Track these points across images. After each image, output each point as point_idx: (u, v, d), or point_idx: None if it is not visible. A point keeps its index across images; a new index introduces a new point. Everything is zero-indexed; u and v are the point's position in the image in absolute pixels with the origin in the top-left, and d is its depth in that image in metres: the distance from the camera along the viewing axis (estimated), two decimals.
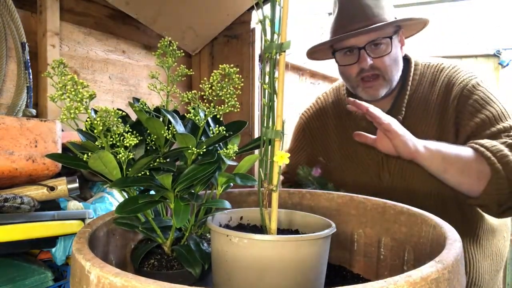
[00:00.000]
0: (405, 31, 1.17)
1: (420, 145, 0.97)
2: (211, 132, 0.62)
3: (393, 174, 1.16)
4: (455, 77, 1.14)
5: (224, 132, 0.60)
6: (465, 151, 0.99)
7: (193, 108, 0.60)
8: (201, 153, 0.58)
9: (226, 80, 0.61)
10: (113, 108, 0.57)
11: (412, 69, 1.18)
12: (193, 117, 0.59)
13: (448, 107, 1.11)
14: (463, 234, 1.11)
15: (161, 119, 0.63)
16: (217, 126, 0.62)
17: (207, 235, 0.68)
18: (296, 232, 0.63)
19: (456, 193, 1.04)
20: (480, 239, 1.15)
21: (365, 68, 1.10)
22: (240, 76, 0.61)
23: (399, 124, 0.97)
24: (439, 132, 1.11)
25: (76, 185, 0.85)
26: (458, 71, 1.15)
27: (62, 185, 0.84)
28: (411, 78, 1.17)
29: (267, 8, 0.53)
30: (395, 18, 1.13)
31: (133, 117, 0.65)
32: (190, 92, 0.61)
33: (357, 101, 0.98)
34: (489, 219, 1.17)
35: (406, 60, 1.20)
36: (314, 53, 1.25)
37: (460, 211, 1.12)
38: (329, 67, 2.64)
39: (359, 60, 1.10)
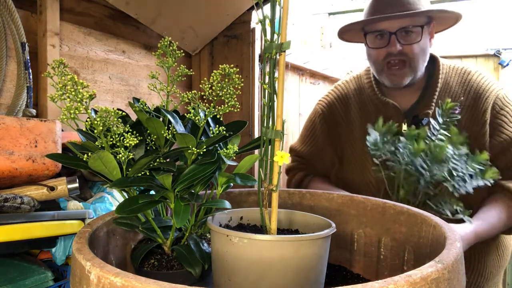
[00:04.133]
0: (437, 25, 1.19)
1: (472, 240, 0.99)
2: (211, 132, 0.62)
3: None
4: (485, 85, 1.18)
5: (224, 132, 0.60)
6: (502, 210, 1.06)
7: (193, 108, 0.60)
8: (201, 153, 0.58)
9: (226, 80, 0.61)
10: (113, 108, 0.57)
11: (441, 67, 1.21)
12: (193, 117, 0.59)
13: (479, 115, 1.15)
14: None
15: (161, 119, 0.63)
16: (217, 126, 0.62)
17: (207, 235, 0.68)
18: (296, 232, 0.63)
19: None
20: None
21: (393, 53, 1.12)
22: (240, 76, 0.61)
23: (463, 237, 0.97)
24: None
25: (76, 185, 0.85)
26: (485, 78, 1.19)
27: (62, 185, 0.84)
28: (440, 76, 1.20)
29: (267, 8, 0.53)
30: (430, 8, 1.15)
31: (133, 117, 0.65)
32: (190, 92, 0.61)
33: None
34: None
35: (433, 58, 1.22)
36: (346, 32, 1.26)
37: (469, 206, 1.13)
38: (329, 68, 2.64)
39: (388, 44, 1.12)
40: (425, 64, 1.17)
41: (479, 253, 1.15)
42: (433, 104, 1.17)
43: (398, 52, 1.11)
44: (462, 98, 1.17)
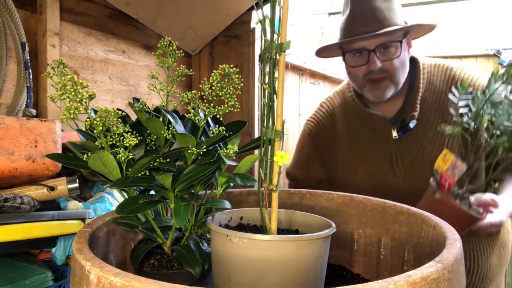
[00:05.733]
0: (413, 33, 1.19)
1: (506, 219, 0.99)
2: (211, 132, 0.62)
3: (408, 168, 1.17)
4: (470, 79, 1.17)
5: (224, 132, 0.60)
6: None
7: (193, 108, 0.60)
8: (201, 153, 0.58)
9: (226, 80, 0.61)
10: (113, 108, 0.57)
11: (421, 69, 1.21)
12: (193, 117, 0.59)
13: None
14: (476, 234, 1.13)
15: (161, 119, 0.63)
16: (217, 126, 0.62)
17: (207, 235, 0.68)
18: (296, 232, 0.63)
19: None
20: (495, 235, 1.18)
21: (374, 70, 1.12)
22: (240, 76, 0.61)
23: (501, 213, 0.97)
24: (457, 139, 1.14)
25: (76, 185, 0.85)
26: (468, 73, 1.19)
27: (62, 185, 0.84)
28: (421, 77, 1.19)
29: (267, 8, 0.53)
30: (405, 22, 1.15)
31: (133, 117, 0.65)
32: (190, 92, 0.61)
33: (482, 200, 0.98)
34: None
35: (413, 60, 1.22)
36: (323, 52, 1.26)
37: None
38: (329, 68, 2.64)
39: (368, 62, 1.12)
40: (405, 74, 1.17)
41: (482, 253, 1.16)
42: (418, 105, 1.17)
43: (378, 69, 1.11)
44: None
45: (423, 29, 1.17)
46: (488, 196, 0.98)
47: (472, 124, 0.92)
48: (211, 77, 0.60)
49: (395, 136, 1.17)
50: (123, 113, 0.59)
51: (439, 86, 1.19)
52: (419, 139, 1.16)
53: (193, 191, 0.61)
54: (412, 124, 1.15)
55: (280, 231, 0.62)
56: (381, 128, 1.19)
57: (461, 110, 0.94)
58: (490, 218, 0.93)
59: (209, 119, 0.65)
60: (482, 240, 1.15)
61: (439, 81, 1.19)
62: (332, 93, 1.40)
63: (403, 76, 1.15)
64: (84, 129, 0.58)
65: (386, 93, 1.14)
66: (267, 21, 0.52)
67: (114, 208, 0.97)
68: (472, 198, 0.95)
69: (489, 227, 0.94)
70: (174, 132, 0.59)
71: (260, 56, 1.82)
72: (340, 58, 1.23)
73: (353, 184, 1.25)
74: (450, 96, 0.97)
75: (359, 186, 1.23)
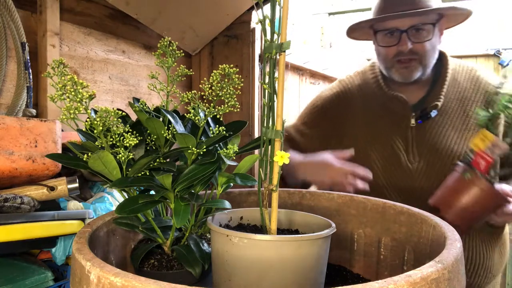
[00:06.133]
0: (447, 21, 1.19)
1: None
2: (211, 132, 0.62)
3: (423, 156, 1.16)
4: (493, 79, 1.19)
5: (224, 132, 0.60)
6: None
7: (193, 108, 0.60)
8: (201, 153, 0.58)
9: (226, 80, 0.61)
10: (113, 108, 0.57)
11: (449, 62, 1.21)
12: (193, 117, 0.59)
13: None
14: (481, 227, 1.13)
15: (161, 119, 0.63)
16: (217, 126, 0.62)
17: (207, 235, 0.68)
18: (296, 232, 0.63)
19: None
20: (498, 229, 1.19)
21: (404, 51, 1.12)
22: (240, 76, 0.61)
23: None
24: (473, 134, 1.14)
25: (76, 185, 0.85)
26: (491, 74, 1.21)
27: (62, 185, 0.84)
28: (449, 69, 1.20)
29: (267, 8, 0.53)
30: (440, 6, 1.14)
31: (133, 117, 0.65)
32: (190, 92, 0.61)
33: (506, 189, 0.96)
34: None
35: (441, 53, 1.22)
36: (354, 31, 1.25)
37: None
38: (329, 68, 2.64)
39: (399, 43, 1.12)
40: (435, 61, 1.17)
41: (487, 250, 1.16)
42: (442, 96, 1.17)
43: (408, 50, 1.11)
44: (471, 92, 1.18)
45: (456, 17, 1.17)
46: (509, 188, 0.97)
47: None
48: (211, 77, 0.60)
49: (413, 123, 1.16)
50: (123, 113, 0.59)
51: (463, 83, 1.20)
52: (437, 130, 1.16)
53: (193, 191, 0.61)
54: (433, 114, 1.15)
55: (280, 231, 0.62)
56: (402, 112, 1.18)
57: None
58: None
59: (209, 119, 0.65)
60: (486, 238, 1.16)
61: (463, 79, 1.20)
62: (352, 72, 1.37)
63: (432, 61, 1.15)
64: (84, 129, 0.58)
65: (413, 74, 1.14)
66: (267, 21, 0.52)
67: (114, 208, 0.97)
68: (497, 186, 0.94)
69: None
70: (174, 132, 0.59)
71: (260, 56, 1.82)
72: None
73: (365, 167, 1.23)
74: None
75: (370, 169, 1.20)
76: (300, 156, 1.23)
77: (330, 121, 1.32)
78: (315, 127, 1.35)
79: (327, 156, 1.12)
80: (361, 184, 1.04)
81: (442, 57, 1.22)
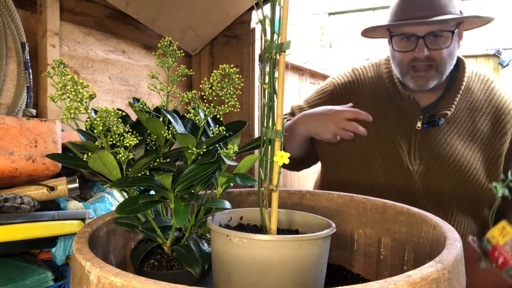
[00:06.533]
0: (466, 24, 1.15)
1: None
2: (211, 132, 0.62)
3: (425, 160, 1.14)
4: (508, 97, 1.18)
5: (224, 132, 0.60)
6: None
7: (193, 108, 0.60)
8: (201, 153, 0.58)
9: (226, 80, 0.61)
10: (113, 108, 0.57)
11: (466, 69, 1.18)
12: (193, 117, 0.59)
13: (500, 124, 1.15)
14: (482, 229, 1.13)
15: (161, 119, 0.63)
16: (217, 126, 0.62)
17: (207, 235, 0.68)
18: (296, 232, 0.63)
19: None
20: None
21: (420, 58, 1.08)
22: (240, 76, 0.61)
23: None
24: (480, 150, 1.14)
25: (76, 185, 0.85)
26: (506, 92, 1.19)
27: (62, 185, 0.84)
28: (465, 77, 1.17)
29: (267, 8, 0.53)
30: (460, 11, 1.10)
31: (133, 117, 0.65)
32: (190, 92, 0.61)
33: None
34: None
35: (458, 59, 1.19)
36: (370, 32, 1.21)
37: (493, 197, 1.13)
38: (329, 68, 2.64)
39: (415, 48, 1.08)
40: (452, 67, 1.13)
41: None
42: (454, 105, 1.14)
43: (425, 57, 1.07)
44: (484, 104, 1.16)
45: (478, 21, 1.13)
46: None
47: None
48: (211, 77, 0.59)
49: (418, 127, 1.14)
50: (123, 113, 0.59)
51: (476, 93, 1.17)
52: (441, 137, 1.14)
53: (193, 191, 0.61)
54: (441, 122, 1.12)
55: (280, 231, 0.62)
56: (410, 114, 1.15)
57: None
58: None
59: (209, 119, 0.65)
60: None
61: (477, 89, 1.17)
62: (366, 64, 1.33)
63: (449, 68, 1.12)
64: (84, 129, 0.58)
65: (429, 82, 1.11)
66: (267, 21, 0.52)
67: (114, 208, 0.97)
68: None
69: None
70: (174, 132, 0.59)
71: (260, 56, 1.82)
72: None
73: (365, 166, 1.21)
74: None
75: (370, 168, 1.19)
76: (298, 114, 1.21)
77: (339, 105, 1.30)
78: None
79: (327, 106, 1.10)
80: (362, 128, 1.01)
81: (459, 62, 1.19)
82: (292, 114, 1.37)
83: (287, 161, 0.52)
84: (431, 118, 1.14)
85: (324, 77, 2.60)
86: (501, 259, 0.86)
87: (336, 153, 1.26)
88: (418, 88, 1.13)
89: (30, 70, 1.14)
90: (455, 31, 1.08)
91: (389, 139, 1.19)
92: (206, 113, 0.60)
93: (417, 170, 1.15)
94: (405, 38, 1.10)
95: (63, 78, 0.53)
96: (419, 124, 1.14)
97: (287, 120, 1.29)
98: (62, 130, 0.88)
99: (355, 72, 1.32)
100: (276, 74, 0.53)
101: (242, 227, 0.63)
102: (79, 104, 0.54)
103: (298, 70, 2.36)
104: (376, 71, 1.28)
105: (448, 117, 1.14)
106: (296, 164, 1.36)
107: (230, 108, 0.61)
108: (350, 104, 1.14)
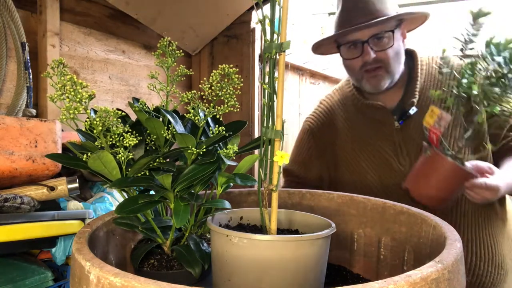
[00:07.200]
0: (407, 24, 1.20)
1: (503, 189, 0.97)
2: (211, 132, 0.62)
3: (413, 156, 1.17)
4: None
5: (224, 132, 0.60)
6: None
7: (193, 108, 0.60)
8: (201, 153, 0.58)
9: (226, 80, 0.61)
10: (113, 108, 0.57)
11: (419, 60, 1.23)
12: (193, 117, 0.59)
13: None
14: (489, 217, 1.13)
15: (160, 119, 0.63)
16: (217, 126, 0.62)
17: (207, 235, 0.68)
18: (296, 232, 0.63)
19: None
20: (504, 222, 1.19)
21: (368, 61, 1.14)
22: (240, 76, 0.61)
23: (498, 179, 0.96)
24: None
25: (76, 185, 0.85)
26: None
27: (62, 185, 0.84)
28: (419, 67, 1.22)
29: (267, 8, 0.53)
30: (397, 12, 1.16)
31: (133, 117, 0.65)
32: (189, 92, 0.61)
33: (478, 166, 0.96)
34: (509, 202, 1.21)
35: (411, 52, 1.24)
36: (319, 47, 1.28)
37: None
38: (329, 68, 2.64)
39: (362, 53, 1.14)
40: (401, 65, 1.19)
41: (494, 242, 1.16)
42: (417, 93, 1.18)
43: (373, 59, 1.13)
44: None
45: (416, 20, 1.19)
46: (484, 164, 0.98)
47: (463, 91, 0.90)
48: (211, 77, 0.59)
49: (397, 126, 1.18)
50: (123, 113, 0.59)
51: (438, 76, 1.20)
52: (420, 126, 1.16)
53: (193, 191, 0.61)
54: (412, 111, 1.16)
55: (280, 231, 0.62)
56: (383, 118, 1.20)
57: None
58: (486, 180, 0.93)
59: (209, 119, 0.65)
60: (492, 231, 1.16)
61: (437, 71, 1.21)
62: (331, 91, 1.41)
63: (398, 66, 1.17)
64: (84, 129, 0.58)
65: (382, 83, 1.16)
66: (267, 21, 0.52)
67: (114, 208, 0.97)
68: (468, 163, 0.94)
69: (485, 189, 0.92)
70: (174, 132, 0.59)
71: (260, 56, 1.82)
72: (338, 57, 1.24)
73: (358, 179, 1.25)
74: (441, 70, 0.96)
75: (364, 180, 1.23)
76: None
77: (320, 141, 1.36)
78: (309, 151, 1.38)
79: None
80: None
81: (412, 55, 1.24)
82: (290, 173, 1.41)
83: (287, 161, 0.52)
84: (403, 112, 1.18)
85: (324, 77, 2.60)
86: (434, 137, 0.91)
87: (333, 171, 1.33)
88: (374, 89, 1.18)
89: (30, 70, 1.14)
90: (395, 31, 1.14)
91: (374, 150, 1.23)
92: (206, 113, 0.60)
93: (408, 169, 1.17)
94: (351, 45, 1.17)
95: (62, 78, 0.53)
96: (396, 123, 1.18)
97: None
98: (62, 130, 0.88)
99: (323, 103, 1.39)
100: (276, 74, 0.53)
101: (242, 227, 0.63)
102: (78, 104, 0.54)
103: (298, 70, 2.36)
104: (341, 93, 1.35)
105: (420, 106, 1.17)
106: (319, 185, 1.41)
107: (229, 108, 0.61)
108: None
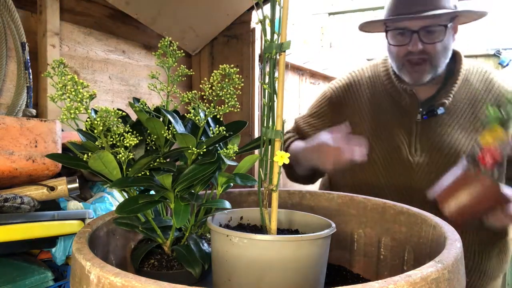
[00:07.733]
0: (461, 18, 1.17)
1: None
2: (211, 132, 0.62)
3: (425, 152, 1.16)
4: (506, 85, 1.19)
5: (224, 132, 0.60)
6: None
7: (193, 108, 0.60)
8: (201, 153, 0.58)
9: (226, 80, 0.61)
10: (113, 108, 0.57)
11: (463, 62, 1.20)
12: (193, 117, 0.59)
13: None
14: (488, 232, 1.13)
15: (161, 119, 0.63)
16: (217, 126, 0.62)
17: (207, 235, 0.68)
18: (296, 232, 0.63)
19: None
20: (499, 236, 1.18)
21: (414, 51, 1.11)
22: (240, 76, 0.61)
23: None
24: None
25: (76, 185, 0.85)
26: (505, 80, 1.20)
27: (62, 185, 0.84)
28: (462, 69, 1.19)
29: (267, 8, 0.53)
30: (455, 5, 1.13)
31: (133, 117, 0.65)
32: (190, 92, 0.61)
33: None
34: None
35: (454, 53, 1.21)
36: (366, 26, 1.24)
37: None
38: (329, 68, 2.64)
39: (410, 42, 1.11)
40: (447, 61, 1.15)
41: (483, 253, 1.16)
42: (451, 95, 1.16)
43: (419, 51, 1.10)
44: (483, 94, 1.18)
45: (471, 15, 1.15)
46: None
47: None
48: (211, 77, 0.60)
49: (418, 119, 1.16)
50: (124, 113, 0.59)
51: (475, 84, 1.19)
52: (442, 128, 1.15)
53: (193, 191, 0.61)
54: (439, 111, 1.14)
55: (280, 231, 0.62)
56: (409, 107, 1.18)
57: None
58: None
59: (209, 119, 0.65)
60: (485, 241, 1.15)
61: (476, 80, 1.20)
62: (365, 64, 1.36)
63: (444, 61, 1.14)
64: (84, 129, 0.58)
65: (424, 76, 1.13)
66: (267, 21, 0.52)
67: (114, 208, 0.97)
68: (506, 188, 0.93)
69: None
70: (174, 132, 0.59)
71: (260, 56, 1.82)
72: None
73: (370, 162, 1.21)
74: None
75: (372, 161, 1.20)
76: (301, 143, 1.23)
77: (337, 111, 1.32)
78: (323, 117, 1.35)
79: (323, 137, 1.10)
80: (358, 157, 1.02)
81: (456, 56, 1.21)
82: (297, 127, 1.39)
83: (287, 161, 0.52)
84: (430, 108, 1.16)
85: (324, 77, 2.60)
86: (489, 160, 0.88)
87: None
88: (414, 82, 1.16)
89: (30, 70, 1.14)
90: (449, 25, 1.10)
91: (388, 133, 1.20)
92: (206, 113, 0.60)
93: (418, 161, 1.16)
94: (400, 32, 1.13)
95: (63, 78, 0.53)
96: (419, 116, 1.16)
97: (291, 142, 1.33)
98: (62, 130, 0.88)
99: (352, 74, 1.35)
100: (276, 74, 0.53)
101: (242, 227, 0.63)
102: (79, 104, 0.54)
103: (298, 70, 2.36)
104: (374, 71, 1.31)
105: (448, 108, 1.16)
106: (310, 178, 1.38)
107: (230, 108, 0.61)
108: (344, 126, 1.14)
